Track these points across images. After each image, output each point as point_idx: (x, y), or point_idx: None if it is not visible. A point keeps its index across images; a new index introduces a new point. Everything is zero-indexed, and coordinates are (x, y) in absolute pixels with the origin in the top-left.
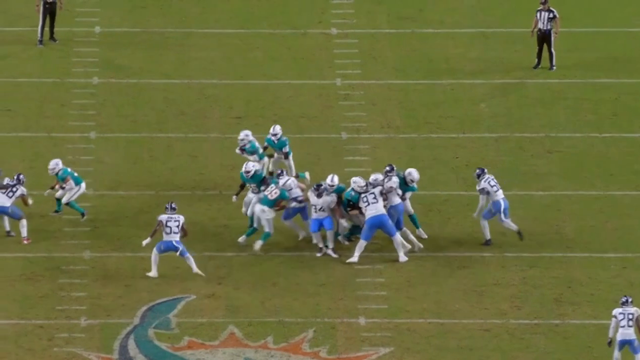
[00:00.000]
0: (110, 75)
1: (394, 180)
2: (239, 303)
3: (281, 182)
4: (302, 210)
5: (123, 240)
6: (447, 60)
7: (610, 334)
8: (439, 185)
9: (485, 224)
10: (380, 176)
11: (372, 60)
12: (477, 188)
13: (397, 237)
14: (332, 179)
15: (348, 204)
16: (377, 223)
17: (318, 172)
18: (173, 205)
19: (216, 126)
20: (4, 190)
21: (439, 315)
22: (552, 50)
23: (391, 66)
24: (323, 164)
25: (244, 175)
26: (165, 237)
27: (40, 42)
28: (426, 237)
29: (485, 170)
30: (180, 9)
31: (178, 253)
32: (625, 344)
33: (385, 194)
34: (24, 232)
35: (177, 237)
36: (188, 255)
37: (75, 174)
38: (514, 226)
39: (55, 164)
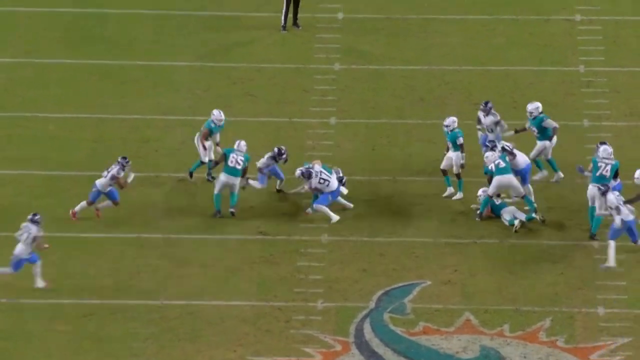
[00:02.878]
0: (352, 62)
1: None
2: (475, 290)
3: None
4: None
5: (360, 225)
6: None
7: None
8: None
9: None
10: None
11: (617, 47)
12: None
13: None
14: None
15: None
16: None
17: (560, 159)
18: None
19: (455, 112)
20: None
21: None
22: None
23: (636, 53)
24: (564, 151)
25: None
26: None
27: (284, 27)
28: None
29: None
30: None
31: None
32: None
33: None
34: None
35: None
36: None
37: None
38: None
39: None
